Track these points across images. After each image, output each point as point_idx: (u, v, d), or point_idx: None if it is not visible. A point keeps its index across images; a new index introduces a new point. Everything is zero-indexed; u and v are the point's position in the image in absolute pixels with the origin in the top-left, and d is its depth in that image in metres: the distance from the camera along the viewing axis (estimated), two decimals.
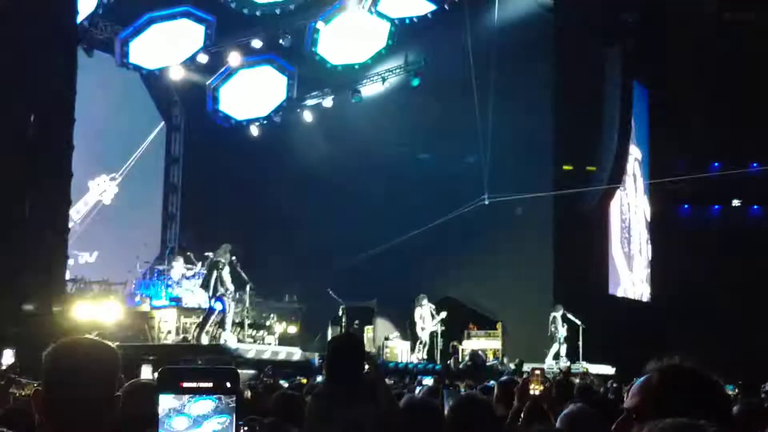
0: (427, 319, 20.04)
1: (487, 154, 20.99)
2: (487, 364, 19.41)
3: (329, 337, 20.35)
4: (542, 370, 5.56)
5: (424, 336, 20.08)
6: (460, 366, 19.19)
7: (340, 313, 20.86)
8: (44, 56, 11.92)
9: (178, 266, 19.45)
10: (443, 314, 20.08)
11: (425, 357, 19.99)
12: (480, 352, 19.84)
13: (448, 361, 19.75)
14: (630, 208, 25.73)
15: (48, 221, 12.28)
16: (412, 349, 20.34)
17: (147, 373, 10.84)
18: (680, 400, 2.14)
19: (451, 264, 21.80)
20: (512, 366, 18.98)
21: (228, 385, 1.94)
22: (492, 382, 8.77)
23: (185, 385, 1.91)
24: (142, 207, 25.07)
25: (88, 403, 2.32)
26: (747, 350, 21.12)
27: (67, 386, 2.31)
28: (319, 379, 13.90)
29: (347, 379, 4.74)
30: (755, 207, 27.16)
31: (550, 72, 21.80)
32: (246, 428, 2.27)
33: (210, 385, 1.92)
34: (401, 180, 22.98)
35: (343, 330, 20.40)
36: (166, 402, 1.91)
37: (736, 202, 27.00)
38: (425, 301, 20.05)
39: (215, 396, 1.92)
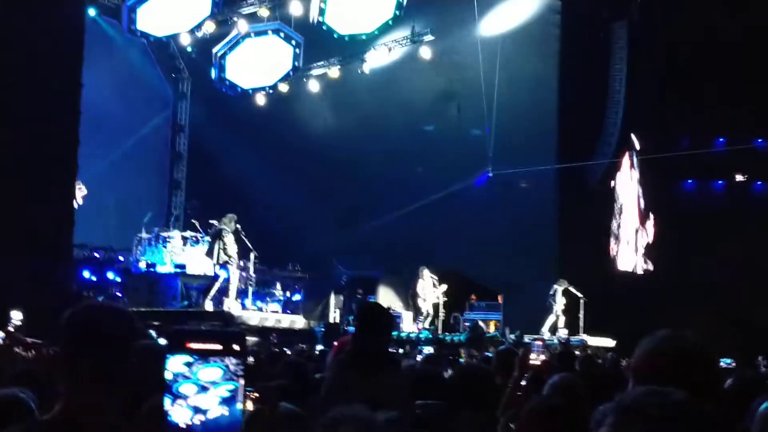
0: (428, 290, 20.18)
1: (492, 127, 21.00)
2: (488, 334, 19.56)
3: (332, 306, 20.56)
4: (543, 341, 5.66)
5: (426, 307, 20.23)
6: (462, 335, 19.36)
7: (343, 282, 21.01)
8: (50, 47, 11.94)
9: (177, 235, 19.69)
10: (444, 287, 20.21)
11: (427, 327, 20.15)
12: (480, 323, 19.99)
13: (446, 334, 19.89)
14: (633, 182, 25.72)
15: (54, 189, 12.39)
16: (414, 320, 20.51)
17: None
18: (681, 372, 2.25)
19: (454, 236, 21.89)
20: (513, 337, 19.15)
21: (236, 347, 1.98)
22: (491, 352, 8.92)
23: (194, 346, 1.95)
24: (148, 174, 25.19)
25: (106, 366, 2.42)
26: (746, 325, 21.25)
27: (86, 350, 2.41)
28: (319, 347, 14.08)
29: (374, 349, 4.72)
30: (759, 183, 27.11)
31: (557, 45, 21.72)
32: (257, 394, 2.33)
33: (218, 347, 1.96)
34: (406, 151, 23.01)
35: (344, 298, 20.58)
36: (174, 365, 1.96)
37: (739, 177, 26.95)
38: (426, 273, 20.18)
39: (223, 363, 1.96)
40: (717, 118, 24.72)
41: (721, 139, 25.92)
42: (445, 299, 20.44)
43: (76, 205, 16.00)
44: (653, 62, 24.10)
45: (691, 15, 23.65)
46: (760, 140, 25.59)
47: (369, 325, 4.78)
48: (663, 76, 24.34)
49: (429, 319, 20.35)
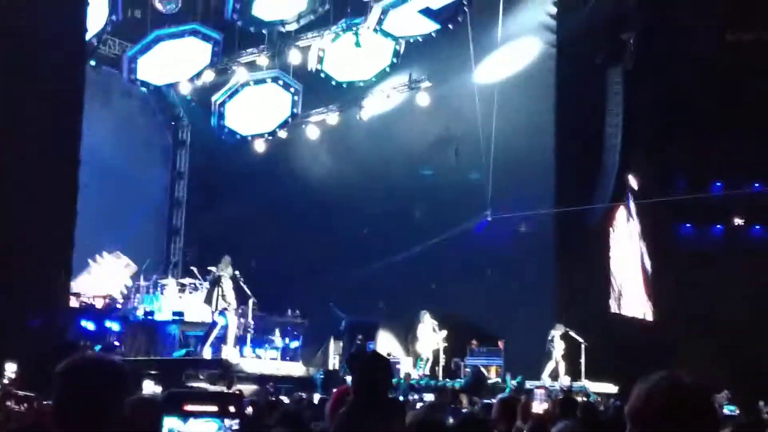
0: (428, 335, 20.09)
1: (490, 171, 21.09)
2: (489, 381, 19.42)
3: (331, 352, 20.44)
4: (545, 388, 5.64)
5: (426, 352, 20.12)
6: (462, 382, 19.21)
7: (343, 328, 20.92)
8: (53, 74, 12.08)
9: (175, 282, 19.69)
10: (444, 332, 20.12)
11: (427, 373, 20.02)
12: (481, 369, 19.86)
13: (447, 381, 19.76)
14: (632, 226, 25.78)
15: (52, 236, 12.40)
16: (414, 365, 20.38)
17: (149, 387, 10.92)
18: (677, 413, 2.26)
19: (454, 280, 21.84)
20: (514, 383, 19.00)
21: (232, 409, 1.99)
22: (493, 399, 8.84)
23: (190, 408, 1.96)
24: (147, 221, 25.24)
25: (98, 418, 2.41)
26: (748, 369, 21.13)
27: (78, 402, 2.41)
28: (318, 395, 13.97)
29: (376, 395, 4.72)
30: (757, 227, 27.17)
31: (553, 90, 21.91)
32: None
33: (214, 408, 1.97)
34: (405, 196, 23.09)
35: (344, 344, 20.48)
36: (169, 423, 1.97)
37: (738, 221, 27.02)
38: (427, 317, 20.11)
39: (219, 418, 1.97)
40: (714, 161, 24.87)
41: (719, 183, 26.04)
42: (446, 344, 20.34)
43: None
44: (648, 107, 24.32)
45: (685, 60, 23.95)
46: (757, 184, 25.70)
47: (369, 375, 4.77)
48: (658, 120, 24.56)
49: (429, 364, 20.22)
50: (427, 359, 20.18)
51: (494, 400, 7.32)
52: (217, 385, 15.35)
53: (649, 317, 25.98)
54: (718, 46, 24.41)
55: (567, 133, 21.72)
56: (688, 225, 27.15)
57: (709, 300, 23.62)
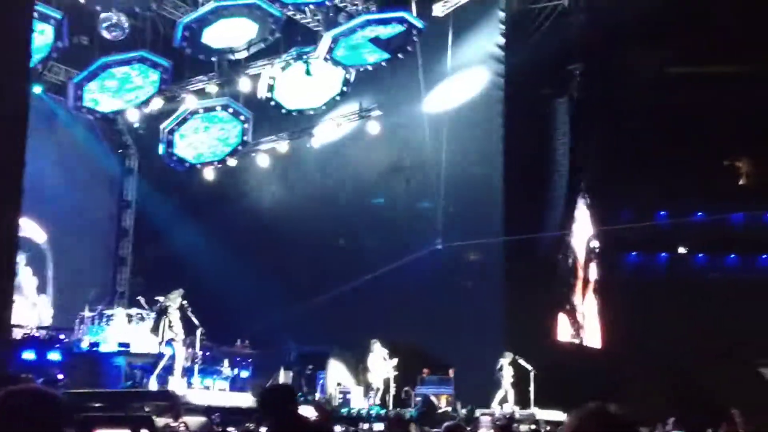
0: (379, 364, 20.00)
1: (441, 200, 21.22)
2: (440, 410, 19.37)
3: (281, 382, 20.21)
4: (492, 416, 5.65)
5: (376, 381, 20.01)
6: (413, 411, 19.13)
7: (293, 358, 20.73)
8: None
9: (121, 313, 19.35)
10: (395, 360, 20.06)
11: (378, 402, 19.90)
12: (432, 398, 19.81)
13: (398, 409, 19.67)
14: (579, 255, 26.09)
15: None
16: (365, 395, 20.25)
17: None
18: None
19: (405, 309, 21.83)
20: (464, 412, 18.99)
21: (144, 431, 1.97)
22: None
23: None
24: (92, 251, 24.81)
25: None
26: (693, 396, 21.43)
27: None
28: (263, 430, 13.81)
29: (283, 426, 4.75)
30: (700, 255, 27.73)
31: (501, 120, 22.19)
32: None
33: (127, 431, 1.95)
34: (356, 225, 23.09)
35: (294, 374, 20.29)
36: None
37: (682, 250, 27.55)
38: (377, 346, 20.03)
39: None
40: (658, 191, 25.36)
41: (663, 213, 26.56)
42: (396, 373, 20.26)
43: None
44: (594, 137, 24.77)
45: (631, 91, 24.48)
46: (700, 213, 26.28)
47: (272, 404, 4.83)
48: (605, 149, 25.00)
49: (379, 393, 20.11)
50: (378, 389, 20.07)
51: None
52: (163, 417, 15.06)
53: (598, 345, 26.25)
54: (662, 79, 25.02)
55: (516, 161, 22.00)
56: (633, 253, 27.60)
57: (654, 328, 23.97)
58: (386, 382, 20.24)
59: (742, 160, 27.79)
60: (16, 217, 12.62)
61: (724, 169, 27.55)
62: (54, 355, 18.42)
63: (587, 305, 26.31)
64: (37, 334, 19.15)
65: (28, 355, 17.97)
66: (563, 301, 24.48)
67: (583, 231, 25.91)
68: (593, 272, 26.74)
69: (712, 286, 25.71)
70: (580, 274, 26.08)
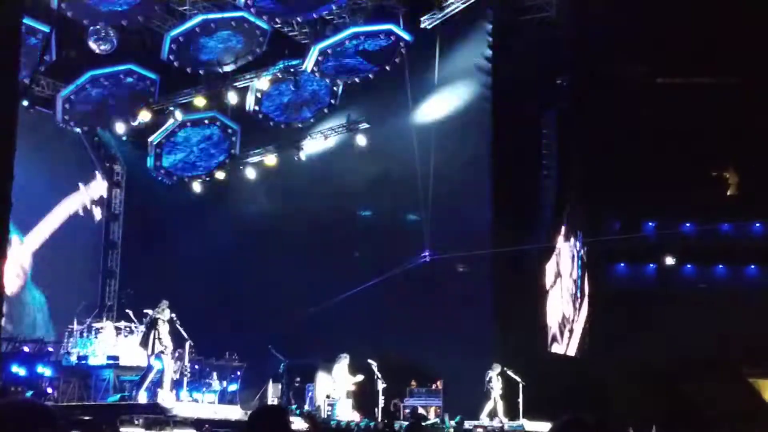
0: (342, 376, 19.89)
1: (429, 212, 21.27)
2: (428, 421, 19.34)
3: (270, 395, 20.18)
4: (484, 428, 5.68)
5: (336, 394, 19.84)
6: (402, 424, 19.09)
7: (281, 370, 20.69)
8: None
9: (110, 326, 19.29)
10: (360, 377, 19.94)
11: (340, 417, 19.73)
12: (420, 410, 19.78)
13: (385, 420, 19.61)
14: (568, 266, 26.16)
15: None
16: (353, 408, 20.18)
17: None
18: None
19: (393, 320, 21.85)
20: (453, 424, 18.97)
21: None
22: None
23: None
24: (81, 264, 24.72)
25: None
26: (681, 406, 21.47)
27: None
28: None
29: None
30: (688, 266, 27.83)
31: (489, 132, 22.28)
32: None
33: None
34: (344, 237, 23.11)
35: (282, 387, 20.25)
36: None
37: (670, 261, 27.65)
38: (345, 361, 19.94)
39: None
40: (646, 202, 25.47)
41: (651, 223, 26.68)
42: (353, 389, 20.08)
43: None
44: (582, 148, 24.88)
45: (618, 103, 24.63)
46: (688, 224, 26.41)
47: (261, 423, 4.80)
48: (592, 161, 25.13)
49: (341, 402, 19.92)
50: (338, 398, 19.90)
51: None
52: (152, 431, 15.01)
53: (587, 355, 26.29)
54: (650, 90, 25.20)
55: (504, 174, 22.08)
56: (621, 264, 27.69)
57: (643, 338, 24.04)
58: (349, 395, 20.08)
59: (730, 171, 27.98)
60: (3, 231, 12.58)
61: (712, 180, 27.72)
62: (44, 369, 18.35)
63: (576, 316, 26.36)
64: (26, 348, 19.06)
65: (18, 369, 17.89)
66: (550, 312, 24.52)
67: (570, 242, 25.99)
68: (581, 283, 26.80)
69: (700, 297, 25.80)
70: (569, 285, 26.14)
